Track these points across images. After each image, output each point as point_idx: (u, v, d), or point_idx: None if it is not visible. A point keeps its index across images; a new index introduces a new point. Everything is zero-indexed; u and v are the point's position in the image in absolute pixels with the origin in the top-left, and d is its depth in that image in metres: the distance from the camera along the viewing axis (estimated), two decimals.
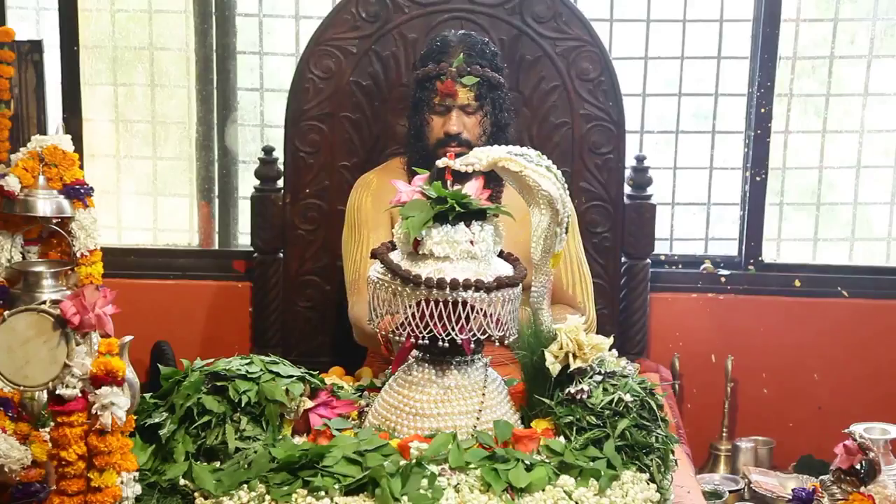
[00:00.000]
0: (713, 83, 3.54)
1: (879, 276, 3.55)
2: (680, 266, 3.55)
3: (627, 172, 3.27)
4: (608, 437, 2.06)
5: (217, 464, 2.02)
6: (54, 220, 2.37)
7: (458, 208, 2.06)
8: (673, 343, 3.52)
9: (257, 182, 3.30)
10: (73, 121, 3.49)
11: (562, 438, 2.08)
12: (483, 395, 2.12)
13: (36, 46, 3.27)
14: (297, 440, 2.11)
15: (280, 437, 2.08)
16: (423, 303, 2.05)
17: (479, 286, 2.04)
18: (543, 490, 1.94)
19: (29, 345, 1.75)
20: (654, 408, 2.12)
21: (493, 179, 2.48)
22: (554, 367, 2.11)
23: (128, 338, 1.84)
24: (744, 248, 3.54)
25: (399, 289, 2.06)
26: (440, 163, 2.14)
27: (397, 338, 2.10)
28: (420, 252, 2.08)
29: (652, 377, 2.98)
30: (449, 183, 2.11)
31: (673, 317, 3.50)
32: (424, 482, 1.90)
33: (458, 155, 2.16)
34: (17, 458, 2.04)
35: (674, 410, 3.02)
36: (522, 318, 2.20)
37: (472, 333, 2.07)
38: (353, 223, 2.89)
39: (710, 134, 3.58)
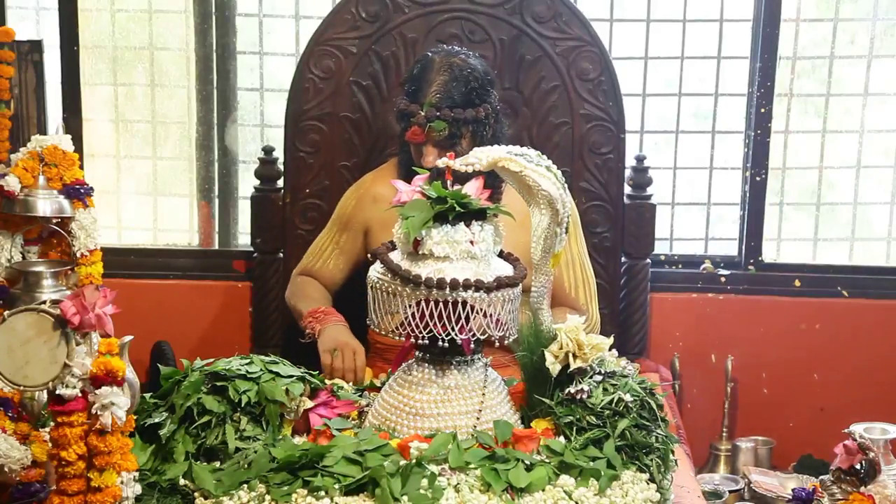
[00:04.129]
0: (713, 83, 3.54)
1: (879, 276, 3.55)
2: (680, 266, 3.55)
3: (627, 172, 3.27)
4: (608, 437, 2.06)
5: (217, 464, 2.02)
6: (54, 220, 2.37)
7: (458, 208, 2.06)
8: (673, 343, 3.52)
9: (257, 182, 3.30)
10: (73, 121, 3.49)
11: (562, 438, 2.08)
12: (483, 395, 2.12)
13: (36, 46, 3.26)
14: (297, 440, 2.11)
15: (280, 437, 2.08)
16: (423, 303, 2.05)
17: (479, 286, 2.04)
18: (543, 490, 1.94)
19: (29, 345, 1.75)
20: (654, 408, 2.12)
21: (493, 180, 2.48)
22: (554, 367, 2.11)
23: (128, 338, 1.84)
24: (744, 248, 3.54)
25: (399, 289, 2.06)
26: (440, 163, 2.14)
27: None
28: (420, 252, 2.08)
29: (652, 377, 2.98)
30: (449, 183, 2.11)
31: (673, 317, 3.50)
32: (424, 482, 1.90)
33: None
34: (17, 458, 2.04)
35: (674, 410, 3.02)
36: (522, 321, 2.19)
37: (472, 333, 2.07)
38: (334, 218, 2.97)
39: (710, 134, 3.58)
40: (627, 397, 2.09)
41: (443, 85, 2.65)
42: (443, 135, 2.64)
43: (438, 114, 2.62)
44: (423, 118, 2.63)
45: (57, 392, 1.74)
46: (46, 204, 2.33)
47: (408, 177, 2.21)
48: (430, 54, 2.75)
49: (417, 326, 2.06)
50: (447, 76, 2.66)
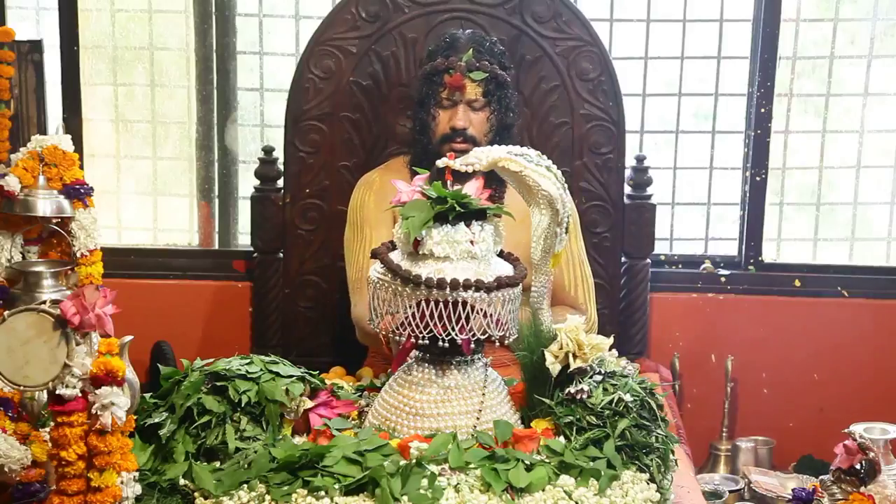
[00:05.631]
0: (713, 83, 3.54)
1: (879, 276, 3.55)
2: (680, 266, 3.55)
3: (627, 172, 3.27)
4: (608, 437, 2.06)
5: (217, 464, 2.02)
6: (54, 220, 2.37)
7: (458, 208, 2.06)
8: (673, 343, 3.52)
9: (257, 182, 3.30)
10: (73, 121, 3.49)
11: (562, 438, 2.08)
12: (483, 395, 2.12)
13: (36, 46, 3.27)
14: (297, 440, 2.11)
15: (280, 437, 2.09)
16: (423, 303, 2.05)
17: (479, 286, 2.03)
18: (543, 490, 1.94)
19: (29, 345, 1.75)
20: (654, 408, 2.12)
21: (495, 180, 2.48)
22: (554, 367, 2.11)
23: (128, 338, 1.84)
24: (744, 248, 3.54)
25: (399, 289, 2.06)
26: (440, 163, 2.14)
27: (398, 337, 2.11)
28: (420, 252, 2.08)
29: (652, 377, 2.98)
30: (449, 183, 2.11)
31: (673, 317, 3.50)
32: (424, 482, 1.90)
33: (461, 152, 2.16)
34: (17, 458, 2.04)
35: (674, 410, 3.02)
36: (522, 318, 2.20)
37: (472, 333, 2.07)
38: (355, 222, 2.89)
39: (710, 134, 3.58)
40: (627, 397, 2.09)
41: (479, 45, 2.77)
42: (480, 88, 2.72)
43: (478, 65, 2.71)
44: (465, 66, 2.71)
45: (57, 392, 1.74)
46: (46, 204, 2.33)
47: (417, 174, 2.20)
48: (453, 31, 2.85)
49: (417, 326, 2.06)
50: (479, 41, 2.79)
